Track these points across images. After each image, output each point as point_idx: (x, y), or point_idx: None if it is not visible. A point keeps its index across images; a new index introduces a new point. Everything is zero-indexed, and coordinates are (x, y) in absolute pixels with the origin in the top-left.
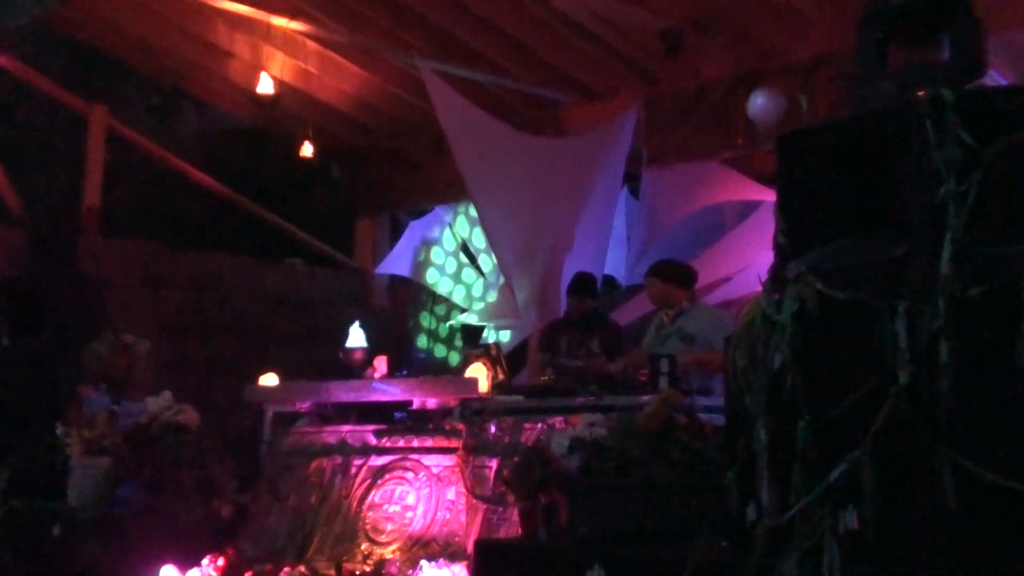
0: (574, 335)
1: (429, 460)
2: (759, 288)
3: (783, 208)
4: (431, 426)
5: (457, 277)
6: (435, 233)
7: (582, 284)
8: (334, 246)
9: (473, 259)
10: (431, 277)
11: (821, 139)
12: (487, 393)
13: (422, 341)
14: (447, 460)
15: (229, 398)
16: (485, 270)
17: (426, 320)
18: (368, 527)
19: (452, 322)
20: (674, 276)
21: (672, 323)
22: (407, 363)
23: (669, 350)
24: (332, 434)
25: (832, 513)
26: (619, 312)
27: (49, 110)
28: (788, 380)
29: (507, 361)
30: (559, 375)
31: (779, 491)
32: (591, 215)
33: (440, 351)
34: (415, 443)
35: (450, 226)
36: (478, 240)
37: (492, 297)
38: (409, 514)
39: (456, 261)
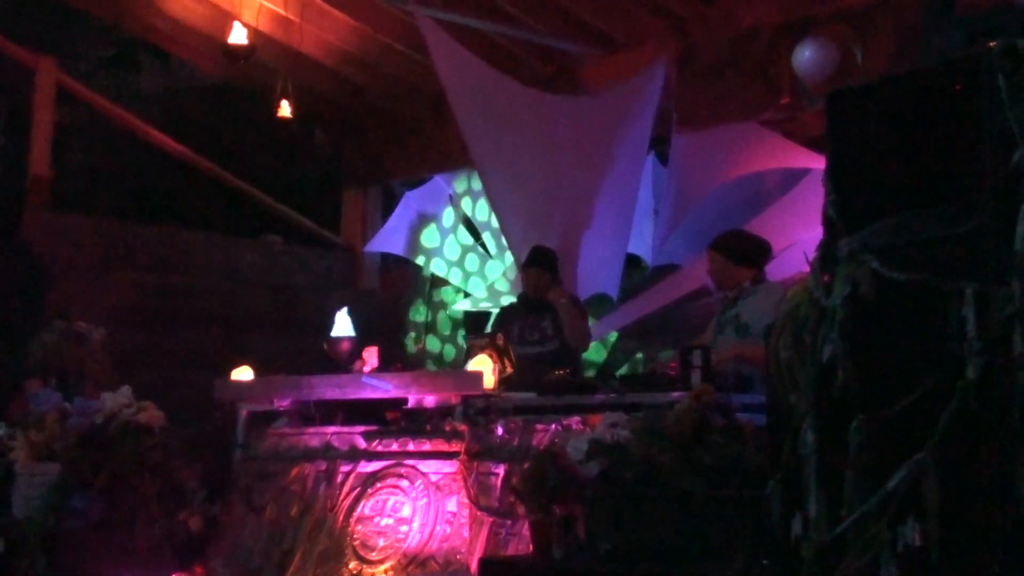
0: (528, 318)
1: (427, 466)
2: (805, 269)
3: (834, 176)
4: (429, 427)
5: (459, 257)
6: (434, 207)
7: (537, 257)
8: (318, 221)
9: (477, 236)
10: (429, 256)
11: (878, 97)
12: (493, 389)
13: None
14: (447, 466)
15: (197, 395)
16: (491, 249)
17: (420, 313)
18: (357, 543)
19: (454, 307)
20: (737, 251)
21: (730, 308)
22: (401, 355)
23: (721, 344)
24: (315, 436)
25: (890, 527)
26: (644, 298)
27: None
28: (839, 374)
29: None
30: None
31: (829, 502)
32: (612, 185)
33: (432, 344)
34: (410, 447)
35: (451, 199)
36: (483, 215)
37: (498, 280)
38: (404, 528)
39: (458, 239)
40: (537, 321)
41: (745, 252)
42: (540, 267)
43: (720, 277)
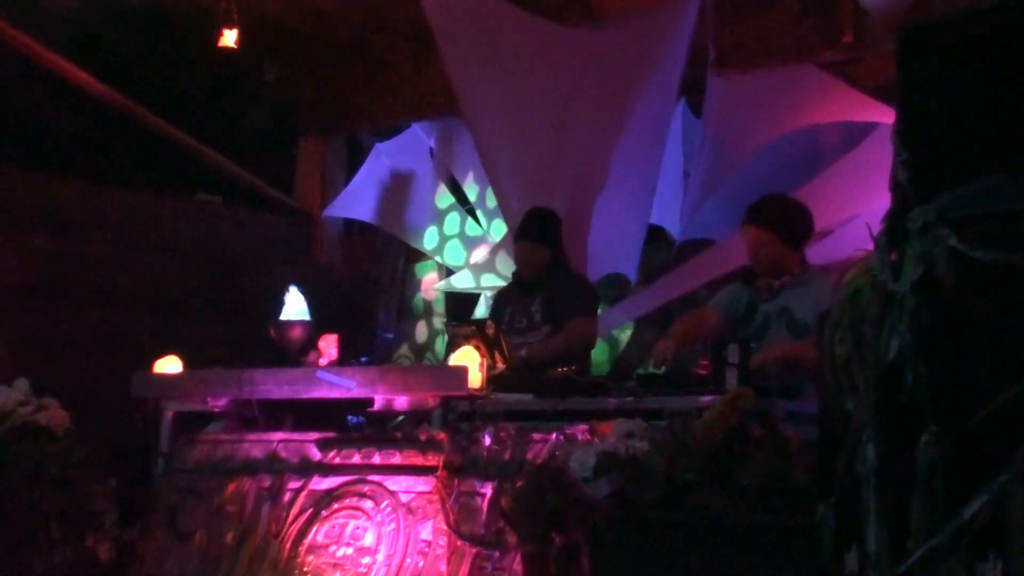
0: (520, 301)
1: (396, 483)
2: (869, 246)
3: (905, 133)
4: (399, 435)
5: (440, 224)
6: (410, 162)
7: (532, 225)
8: (266, 178)
9: (464, 200)
10: (405, 223)
11: (962, 34)
12: (480, 389)
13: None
14: (421, 484)
15: (112, 391)
16: (481, 215)
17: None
18: None
19: (436, 288)
20: (789, 225)
21: (773, 298)
22: (368, 346)
23: (770, 342)
24: (258, 444)
25: (967, 563)
26: (669, 280)
27: None
28: (908, 376)
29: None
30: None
31: (892, 532)
32: (633, 140)
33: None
34: (376, 459)
35: (432, 152)
36: (470, 173)
37: (478, 251)
38: (367, 559)
39: (439, 202)
40: (527, 305)
41: (791, 222)
42: (536, 240)
43: (763, 257)
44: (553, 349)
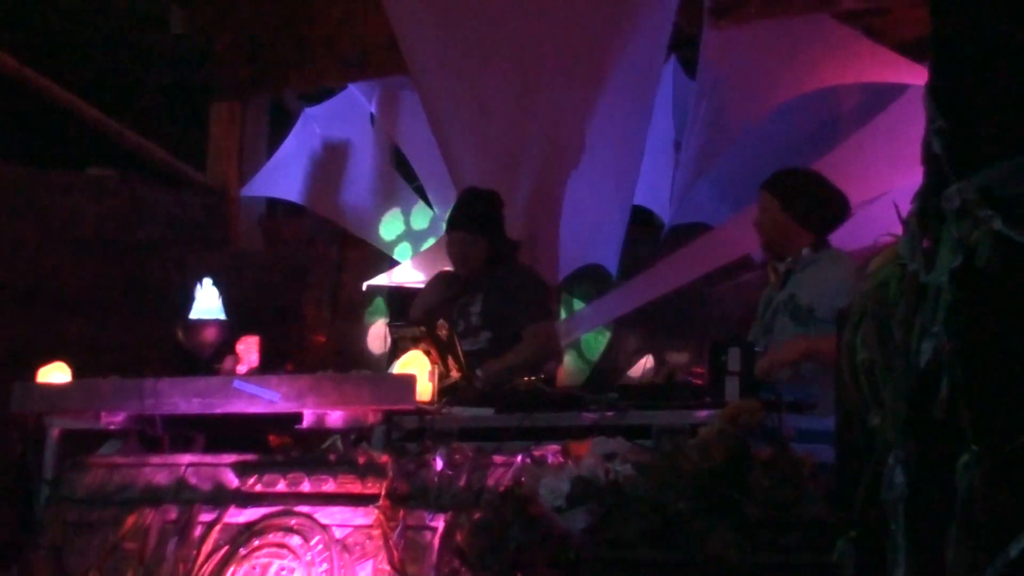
0: (458, 300)
1: (328, 516)
2: (897, 230)
3: (941, 95)
4: (333, 458)
5: (383, 204)
6: (347, 130)
7: (464, 211)
8: (173, 149)
9: (412, 176)
10: (340, 204)
11: None
12: (430, 402)
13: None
14: (359, 516)
15: None
16: (431, 195)
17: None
18: None
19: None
20: (801, 196)
21: (781, 285)
22: (296, 349)
23: (775, 340)
24: (162, 469)
25: None
26: (656, 272)
27: None
28: (944, 385)
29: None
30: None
31: (924, 571)
32: (614, 104)
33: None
34: (305, 486)
35: (372, 119)
36: (418, 143)
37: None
38: None
39: (382, 178)
40: (465, 305)
41: (819, 206)
42: (470, 230)
43: (773, 236)
44: (513, 365)
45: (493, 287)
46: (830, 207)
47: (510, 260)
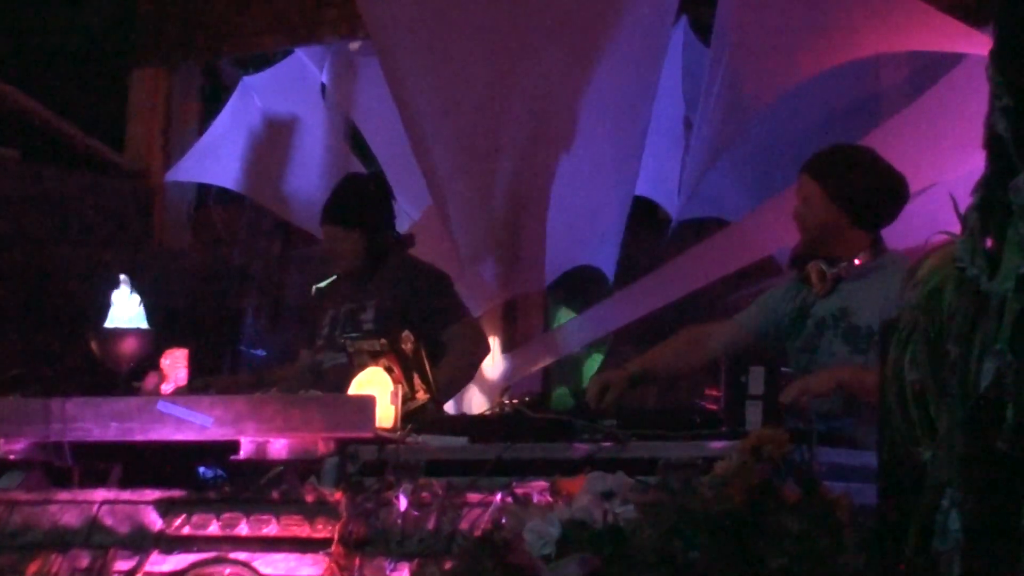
0: (345, 304)
1: (270, 564)
2: (952, 228)
3: (1007, 67)
4: (277, 495)
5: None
6: (293, 103)
7: (336, 202)
8: (87, 126)
9: (370, 157)
10: (284, 191)
11: None
12: (393, 429)
13: None
14: (307, 566)
15: None
16: (392, 180)
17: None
18: None
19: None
20: (850, 182)
21: (828, 294)
22: (232, 364)
23: (821, 364)
24: (71, 507)
25: None
26: (662, 276)
27: None
28: (1010, 412)
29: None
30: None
31: None
32: (612, 76)
33: None
34: (243, 529)
35: (323, 90)
36: (377, 119)
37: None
38: None
39: (334, 160)
40: (355, 311)
41: (876, 196)
42: (343, 223)
43: (817, 233)
44: (455, 376)
45: (386, 289)
46: (889, 196)
47: (399, 256)
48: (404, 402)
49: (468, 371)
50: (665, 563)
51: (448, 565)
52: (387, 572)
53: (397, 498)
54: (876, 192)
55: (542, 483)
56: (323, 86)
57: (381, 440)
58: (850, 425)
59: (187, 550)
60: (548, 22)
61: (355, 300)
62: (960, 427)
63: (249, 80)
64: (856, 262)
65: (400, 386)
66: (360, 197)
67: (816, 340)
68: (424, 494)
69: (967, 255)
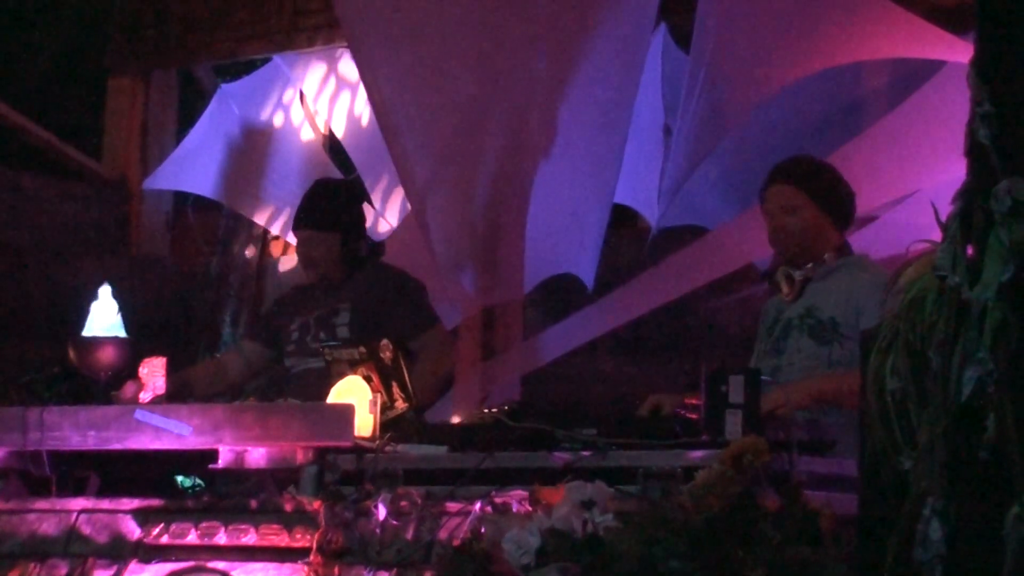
0: (317, 310)
1: (248, 574)
2: (933, 236)
3: (988, 74)
4: (255, 504)
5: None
6: (270, 111)
7: (310, 206)
8: (63, 133)
9: (349, 166)
10: (262, 198)
11: None
12: (371, 438)
13: None
14: (286, 575)
15: None
16: (371, 188)
17: None
18: None
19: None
20: (832, 190)
21: (797, 298)
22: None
23: (787, 362)
24: (49, 516)
25: None
26: (641, 285)
27: None
28: (991, 421)
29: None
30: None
31: None
32: (592, 82)
33: None
34: (221, 538)
35: (302, 97)
36: (356, 127)
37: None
38: None
39: (313, 168)
40: (327, 316)
41: (848, 203)
42: (318, 227)
43: (796, 232)
44: (429, 384)
45: (361, 295)
46: (853, 203)
47: (373, 262)
48: (383, 411)
49: (439, 379)
50: (645, 573)
51: (427, 575)
52: None
53: (376, 507)
54: (849, 193)
55: (522, 492)
56: (301, 94)
57: (360, 449)
58: (834, 415)
59: (165, 559)
60: (527, 30)
61: (327, 305)
62: (942, 436)
63: (227, 88)
64: (826, 259)
65: (379, 395)
66: (333, 201)
67: (782, 343)
68: (403, 503)
69: (948, 263)
